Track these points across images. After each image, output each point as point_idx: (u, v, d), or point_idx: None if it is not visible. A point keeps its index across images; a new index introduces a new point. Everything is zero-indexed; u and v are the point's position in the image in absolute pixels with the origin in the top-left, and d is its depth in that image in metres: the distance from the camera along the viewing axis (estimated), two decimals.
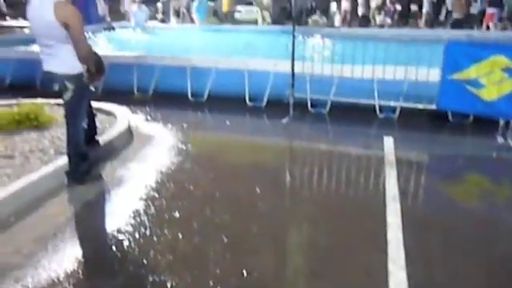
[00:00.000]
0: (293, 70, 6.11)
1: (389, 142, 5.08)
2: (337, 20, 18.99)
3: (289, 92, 6.14)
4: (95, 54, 3.82)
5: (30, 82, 7.39)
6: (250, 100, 6.60)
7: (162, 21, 14.49)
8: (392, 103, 6.07)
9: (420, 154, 5.05)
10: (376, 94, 6.10)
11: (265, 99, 6.54)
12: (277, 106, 6.31)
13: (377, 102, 6.11)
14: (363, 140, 5.35)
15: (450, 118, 5.92)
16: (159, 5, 18.98)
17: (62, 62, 3.52)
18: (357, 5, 19.07)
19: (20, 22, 13.59)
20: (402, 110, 6.02)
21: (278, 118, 6.01)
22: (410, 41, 6.49)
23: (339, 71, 6.23)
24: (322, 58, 6.46)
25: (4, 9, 13.45)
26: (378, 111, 6.09)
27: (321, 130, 5.85)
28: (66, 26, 3.38)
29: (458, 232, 3.22)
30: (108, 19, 14.85)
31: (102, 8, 15.17)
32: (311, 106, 6.32)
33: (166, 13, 18.38)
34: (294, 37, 6.05)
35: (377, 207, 3.53)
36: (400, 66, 6.01)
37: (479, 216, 3.52)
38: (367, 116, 6.05)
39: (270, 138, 5.62)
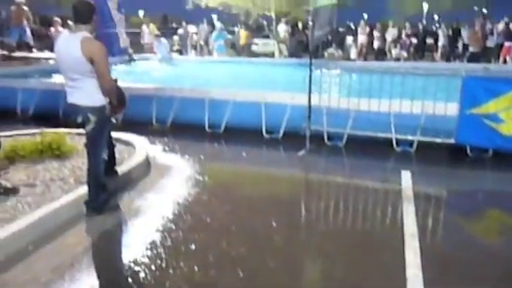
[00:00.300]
0: (309, 102, 6.16)
1: (406, 176, 5.04)
2: (353, 53, 19.22)
3: (305, 124, 6.17)
4: (117, 87, 3.94)
5: (52, 112, 7.58)
6: (267, 132, 6.64)
7: (179, 53, 14.88)
8: (409, 137, 6.05)
9: (438, 188, 4.98)
10: (393, 128, 6.09)
11: (281, 131, 6.58)
12: (293, 139, 6.34)
13: (394, 136, 6.09)
14: (380, 174, 5.31)
15: (468, 152, 5.86)
16: (175, 37, 19.49)
17: (86, 94, 3.63)
18: (373, 38, 19.31)
19: (45, 54, 14.05)
20: (420, 143, 5.98)
21: (294, 150, 6.03)
22: (427, 74, 6.51)
23: (356, 104, 6.26)
24: (339, 91, 6.51)
25: (31, 41, 13.94)
26: (395, 145, 6.07)
27: (337, 162, 5.84)
28: (92, 61, 3.51)
29: (479, 270, 3.14)
30: (129, 51, 15.26)
31: (123, 40, 15.58)
32: (328, 138, 6.33)
33: (183, 45, 18.84)
34: (311, 70, 6.13)
35: (395, 243, 3.47)
36: (417, 99, 6.02)
37: (500, 253, 3.43)
38: (384, 149, 6.03)
39: (287, 170, 5.63)
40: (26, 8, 13.44)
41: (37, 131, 6.16)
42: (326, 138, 6.33)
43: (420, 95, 6.05)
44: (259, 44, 22.80)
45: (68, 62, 3.60)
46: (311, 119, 6.17)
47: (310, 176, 5.53)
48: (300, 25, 21.88)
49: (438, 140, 5.91)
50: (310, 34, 6.01)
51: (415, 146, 6.00)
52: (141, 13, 47.59)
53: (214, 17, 35.93)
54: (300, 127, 6.30)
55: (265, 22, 20.79)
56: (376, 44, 19.15)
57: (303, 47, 20.46)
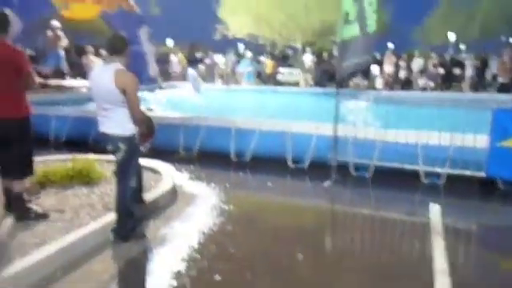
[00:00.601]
0: (335, 132, 6.14)
1: (435, 209, 4.92)
2: (378, 83, 19.15)
3: (331, 155, 6.14)
4: (147, 116, 4.04)
5: (83, 138, 7.80)
6: (293, 162, 6.63)
7: (206, 81, 15.26)
8: (437, 169, 5.93)
9: (469, 223, 4.83)
10: (420, 160, 5.99)
11: (307, 161, 6.55)
12: (319, 169, 6.30)
13: (421, 168, 5.99)
14: (408, 206, 5.20)
15: (499, 185, 5.69)
16: (201, 66, 19.92)
17: (117, 124, 3.73)
18: (399, 68, 19.25)
19: (78, 82, 14.54)
20: (448, 176, 5.85)
21: (320, 180, 5.99)
22: (455, 105, 6.42)
23: (383, 135, 6.22)
24: (365, 121, 6.48)
25: (65, 69, 14.47)
26: (422, 177, 5.96)
27: (363, 194, 5.76)
28: (124, 92, 3.62)
29: None
30: (158, 79, 15.65)
31: (153, 69, 16.03)
32: (354, 169, 6.27)
33: (210, 74, 19.19)
34: (337, 100, 6.13)
35: (424, 279, 3.37)
36: (445, 130, 5.94)
37: None
38: (412, 181, 5.92)
39: (312, 200, 5.58)
40: (60, 32, 14.00)
41: (68, 157, 6.33)
42: (352, 168, 6.27)
43: (448, 126, 5.96)
44: (285, 73, 23.03)
45: (101, 92, 3.73)
46: (337, 149, 6.14)
47: (335, 207, 5.47)
48: (325, 54, 22.08)
49: (468, 173, 5.77)
50: (337, 64, 6.03)
51: (444, 178, 5.87)
52: (169, 42, 49.04)
53: (241, 46, 36.63)
54: (326, 157, 6.26)
55: (290, 52, 21.06)
56: (402, 74, 19.07)
57: (328, 76, 20.57)
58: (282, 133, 6.80)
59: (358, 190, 5.87)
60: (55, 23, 13.70)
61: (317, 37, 19.38)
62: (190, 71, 15.01)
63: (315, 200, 5.57)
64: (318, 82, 19.87)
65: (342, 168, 6.18)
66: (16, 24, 4.22)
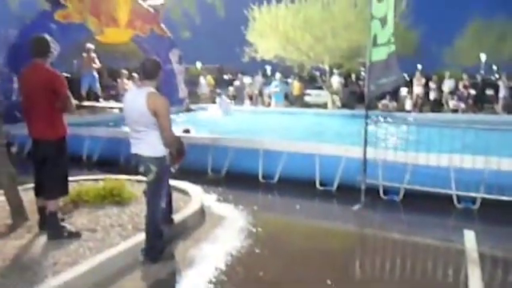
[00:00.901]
0: (365, 155, 6.07)
1: (470, 235, 4.75)
2: (408, 104, 18.91)
3: (360, 178, 6.06)
4: (177, 138, 4.10)
5: (114, 158, 7.98)
6: (321, 184, 6.57)
7: (234, 103, 15.48)
8: (472, 194, 5.75)
9: (507, 251, 4.64)
10: (453, 184, 5.83)
11: (335, 184, 6.48)
12: (348, 192, 6.23)
13: (454, 192, 5.82)
14: (441, 232, 5.05)
15: None
16: (231, 88, 20.19)
17: (149, 145, 3.81)
18: (428, 89, 18.97)
19: (110, 104, 14.96)
20: (483, 201, 5.66)
21: (348, 203, 5.91)
22: (491, 128, 6.24)
23: (413, 158, 6.10)
24: (395, 144, 6.37)
25: (99, 91, 14.92)
26: (456, 201, 5.78)
27: (394, 218, 5.63)
28: (155, 115, 3.70)
29: None
30: (187, 101, 15.94)
31: (182, 91, 16.38)
32: (384, 193, 6.16)
33: (239, 95, 19.41)
34: (366, 122, 6.08)
35: None
36: (479, 153, 5.77)
37: None
38: (444, 206, 5.76)
39: (341, 224, 5.49)
40: (94, 54, 14.54)
41: (100, 177, 6.48)
42: (381, 192, 6.16)
43: (483, 149, 5.79)
44: (312, 95, 23.10)
45: (134, 114, 3.82)
46: (366, 172, 6.05)
47: (365, 231, 5.36)
48: (353, 76, 22.03)
49: (504, 198, 5.57)
50: (365, 86, 6.00)
51: (478, 203, 5.69)
52: (198, 64, 49.91)
53: (268, 68, 36.90)
54: (355, 180, 6.18)
55: (318, 74, 21.09)
56: (432, 95, 18.78)
57: (356, 98, 20.47)
58: (311, 155, 6.77)
59: (388, 214, 5.75)
60: (90, 46, 14.24)
61: (344, 58, 19.35)
62: (223, 97, 15.26)
63: (344, 223, 5.48)
64: (346, 104, 19.79)
65: (372, 191, 6.08)
66: (55, 49, 4.42)
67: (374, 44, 5.89)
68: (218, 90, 15.33)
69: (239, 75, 19.21)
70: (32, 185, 4.69)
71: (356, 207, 5.79)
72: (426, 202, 5.87)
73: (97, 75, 14.55)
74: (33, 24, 11.12)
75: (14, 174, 4.75)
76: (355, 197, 5.96)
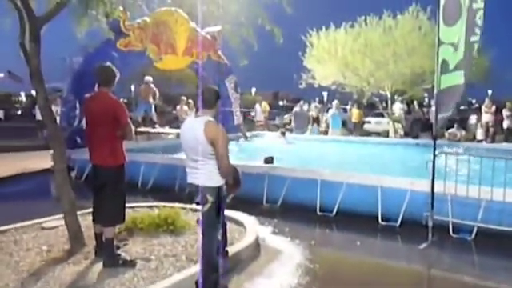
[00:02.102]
0: (432, 189, 5.82)
1: None
2: (479, 133, 18.05)
3: (427, 213, 5.80)
4: (234, 167, 4.14)
5: (169, 186, 8.18)
6: (383, 219, 6.36)
7: (283, 134, 15.46)
8: None
9: None
10: None
11: (399, 219, 6.24)
12: (413, 229, 5.97)
13: None
14: None
15: None
16: (286, 116, 20.29)
17: (206, 175, 3.86)
18: (499, 117, 18.06)
19: (166, 130, 15.49)
20: None
21: (414, 242, 5.65)
22: None
23: (488, 193, 5.76)
24: (467, 177, 6.05)
25: (154, 117, 15.52)
26: None
27: (465, 260, 5.30)
28: (213, 144, 3.77)
29: None
30: (243, 128, 16.15)
31: (237, 118, 16.65)
32: (453, 231, 5.84)
33: (298, 123, 19.35)
34: (434, 153, 5.85)
35: None
36: None
37: None
38: None
39: (406, 264, 5.25)
40: (153, 86, 15.25)
41: (154, 204, 6.66)
42: (451, 229, 5.85)
43: None
44: (372, 122, 22.71)
45: (191, 143, 3.91)
46: (434, 208, 5.78)
47: (432, 272, 5.08)
48: (416, 103, 21.45)
49: None
50: (430, 114, 5.81)
51: None
52: (253, 90, 50.82)
53: (325, 95, 36.80)
54: (421, 216, 5.93)
55: (377, 100, 20.76)
56: (506, 123, 17.82)
57: (420, 126, 19.86)
58: (372, 187, 6.60)
59: (459, 255, 5.43)
60: (148, 78, 15.02)
61: (407, 85, 18.91)
62: (286, 135, 15.40)
63: (409, 263, 5.24)
64: (409, 132, 19.24)
65: (440, 229, 5.79)
66: (117, 77, 4.67)
67: (443, 70, 5.72)
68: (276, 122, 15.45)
69: (301, 102, 19.29)
70: (90, 210, 4.90)
71: (422, 246, 5.53)
72: (502, 243, 5.50)
73: (153, 102, 15.21)
74: (96, 52, 11.83)
75: (74, 199, 4.99)
76: (421, 234, 5.70)
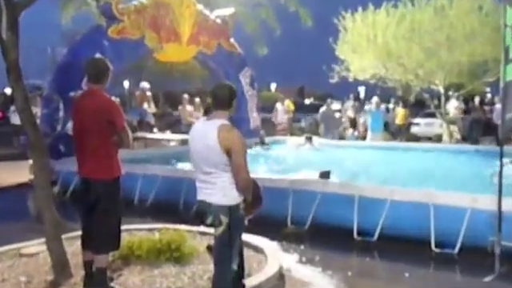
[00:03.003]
0: (499, 207, 5.74)
1: None
2: None
3: (493, 238, 5.73)
4: (254, 181, 4.15)
5: (173, 203, 8.24)
6: (437, 245, 6.30)
7: (309, 139, 15.34)
8: None
9: None
10: None
11: (458, 245, 6.18)
12: (475, 256, 5.92)
13: None
14: None
15: None
16: (314, 116, 20.22)
17: (220, 191, 3.88)
18: None
19: (167, 135, 15.62)
20: None
21: (477, 273, 5.62)
22: None
23: None
24: None
25: (151, 120, 15.68)
26: None
27: None
28: (228, 152, 3.79)
29: None
30: (262, 132, 16.16)
31: (254, 120, 16.70)
32: None
33: (326, 126, 19.34)
34: (501, 163, 5.78)
35: None
36: None
37: None
38: None
39: None
40: (149, 93, 15.55)
41: (155, 226, 6.71)
42: None
43: None
44: (421, 124, 22.49)
45: (202, 152, 3.93)
46: (502, 230, 5.71)
47: None
48: (476, 100, 21.22)
49: None
50: (497, 114, 5.75)
51: None
52: (273, 86, 50.91)
53: (363, 91, 36.61)
54: (485, 241, 5.86)
55: (428, 97, 20.61)
56: None
57: (481, 128, 19.62)
58: (423, 205, 6.55)
59: None
60: (145, 84, 15.33)
61: (465, 77, 18.72)
62: (313, 140, 15.37)
63: None
64: (468, 136, 19.04)
65: (510, 257, 5.71)
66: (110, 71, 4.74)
67: (507, 59, 5.66)
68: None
69: (328, 100, 19.24)
70: (78, 233, 4.96)
71: (488, 278, 5.48)
72: None
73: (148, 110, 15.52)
74: (84, 41, 12.03)
75: (58, 220, 5.06)
76: (486, 264, 5.65)
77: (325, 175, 8.60)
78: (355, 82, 19.61)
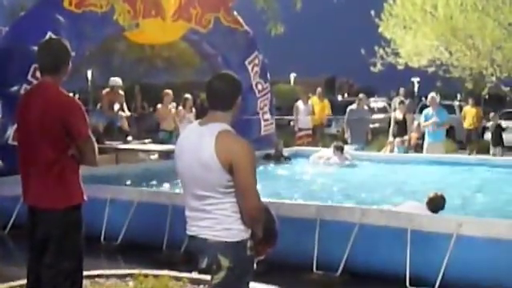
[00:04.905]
0: None
1: None
2: None
3: None
4: (266, 209, 4.14)
5: (152, 240, 8.24)
6: None
7: (338, 149, 15.21)
8: None
9: None
10: None
11: None
12: None
13: None
14: None
15: None
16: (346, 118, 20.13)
17: (218, 223, 3.87)
18: None
19: (146, 145, 15.61)
20: None
21: None
22: None
23: None
24: None
25: (125, 125, 15.63)
26: None
27: None
28: (231, 170, 3.79)
29: None
30: (276, 141, 16.07)
31: (266, 124, 16.61)
32: None
33: (360, 132, 19.31)
34: None
35: None
36: None
37: None
38: None
39: None
40: (121, 92, 15.49)
41: (128, 272, 6.73)
42: None
43: None
44: (506, 128, 22.27)
45: (193, 169, 3.92)
46: None
47: None
48: None
49: None
50: None
51: None
52: (292, 77, 50.90)
53: (416, 82, 36.47)
54: None
55: (508, 90, 20.60)
56: None
57: None
58: (501, 241, 6.54)
59: None
60: (116, 80, 15.30)
61: None
62: (346, 154, 15.29)
63: None
64: None
65: None
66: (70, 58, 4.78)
67: None
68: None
69: (360, 95, 19.14)
70: (22, 282, 4.98)
71: None
72: None
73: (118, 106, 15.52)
74: (29, 16, 12.08)
75: None
76: None
77: (439, 204, 8.17)
78: (407, 70, 19.63)
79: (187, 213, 4.07)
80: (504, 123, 22.22)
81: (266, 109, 16.69)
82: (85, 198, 4.64)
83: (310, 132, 19.99)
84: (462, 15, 17.27)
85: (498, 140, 19.38)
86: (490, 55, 17.92)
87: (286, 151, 15.92)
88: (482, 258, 6.67)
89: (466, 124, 20.50)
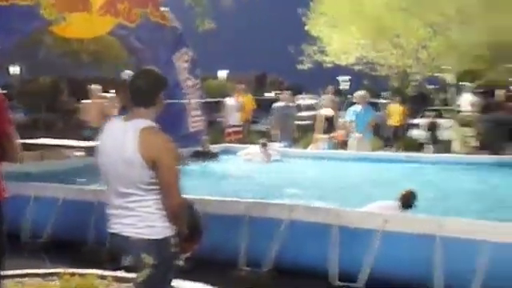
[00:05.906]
0: None
1: None
2: None
3: None
4: (190, 205, 4.13)
5: (77, 238, 8.10)
6: None
7: (264, 146, 15.30)
8: None
9: None
10: None
11: None
12: None
13: None
14: None
15: None
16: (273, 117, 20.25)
17: (141, 220, 3.85)
18: None
19: (71, 141, 15.37)
20: None
21: None
22: None
23: None
24: None
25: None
26: None
27: None
28: (154, 166, 3.76)
29: None
30: (204, 138, 16.07)
31: (194, 121, 16.55)
32: None
33: (287, 129, 19.40)
34: None
35: None
36: None
37: None
38: None
39: None
40: (98, 93, 15.19)
41: (53, 271, 6.59)
42: None
43: None
44: (423, 126, 22.82)
45: (116, 166, 3.89)
46: None
47: None
48: (499, 94, 21.62)
49: None
50: None
51: None
52: (222, 73, 50.88)
53: (344, 80, 37.05)
54: None
55: (431, 88, 21.04)
56: None
57: (506, 133, 19.92)
58: (427, 237, 6.67)
59: None
60: (96, 88, 14.92)
61: (483, 62, 19.04)
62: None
63: None
64: (487, 143, 19.35)
65: None
66: None
67: None
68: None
69: (285, 92, 19.26)
70: None
71: None
72: None
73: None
74: None
75: None
76: None
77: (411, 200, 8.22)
78: (335, 68, 19.84)
79: (110, 210, 4.03)
80: (425, 122, 22.78)
81: (196, 105, 16.68)
82: (5, 195, 4.51)
83: (240, 129, 20.02)
84: (388, 14, 17.53)
85: (432, 137, 19.84)
86: (416, 54, 18.25)
87: (214, 148, 15.96)
88: (407, 254, 6.77)
89: (393, 121, 20.83)
